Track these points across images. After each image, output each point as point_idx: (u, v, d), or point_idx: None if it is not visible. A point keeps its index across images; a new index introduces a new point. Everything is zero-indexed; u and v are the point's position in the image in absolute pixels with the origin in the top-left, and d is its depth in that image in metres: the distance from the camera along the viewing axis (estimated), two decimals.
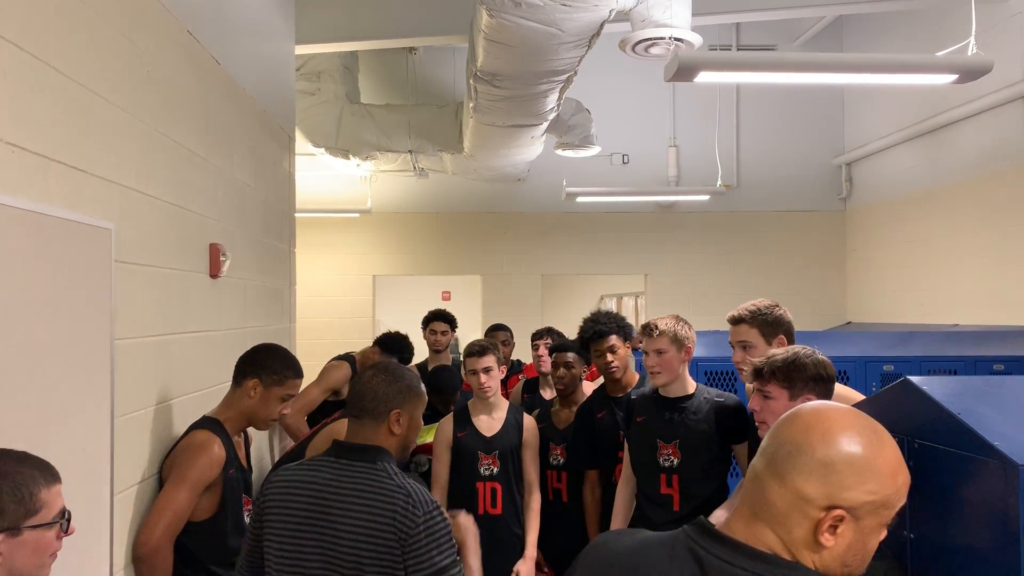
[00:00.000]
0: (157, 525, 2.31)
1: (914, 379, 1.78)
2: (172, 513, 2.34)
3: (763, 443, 1.18)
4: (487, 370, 3.35)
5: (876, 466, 1.09)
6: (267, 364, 2.62)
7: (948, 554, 1.72)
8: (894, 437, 1.16)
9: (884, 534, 1.13)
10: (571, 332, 4.59)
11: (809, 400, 2.06)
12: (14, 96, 1.71)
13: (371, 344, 4.57)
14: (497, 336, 4.64)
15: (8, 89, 1.69)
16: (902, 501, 1.12)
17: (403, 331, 4.55)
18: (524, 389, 4.31)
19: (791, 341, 2.65)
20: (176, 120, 2.70)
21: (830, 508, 1.08)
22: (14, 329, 1.70)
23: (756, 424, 2.35)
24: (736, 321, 2.75)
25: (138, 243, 2.36)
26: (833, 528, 1.08)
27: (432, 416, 3.59)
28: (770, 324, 2.68)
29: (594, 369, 4.19)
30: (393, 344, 4.40)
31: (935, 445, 1.63)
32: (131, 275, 2.31)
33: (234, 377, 2.65)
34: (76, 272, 1.97)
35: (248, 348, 2.72)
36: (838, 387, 2.52)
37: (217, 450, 2.46)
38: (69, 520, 1.50)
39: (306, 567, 1.90)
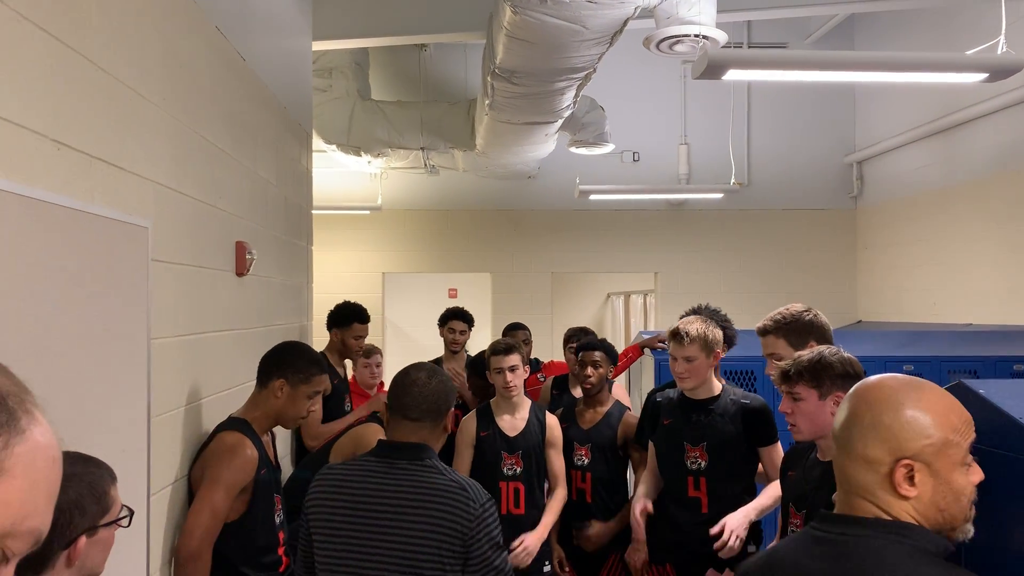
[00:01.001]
0: (196, 530, 2.29)
1: (969, 382, 1.76)
2: (210, 517, 2.32)
3: (831, 429, 1.32)
4: (513, 368, 3.33)
5: (921, 413, 1.19)
6: (293, 363, 2.60)
7: (1004, 560, 1.70)
8: None
9: (975, 477, 1.21)
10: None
11: (839, 399, 2.03)
12: (60, 93, 1.68)
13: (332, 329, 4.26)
14: (517, 335, 4.60)
15: (55, 86, 1.66)
16: (968, 438, 1.21)
17: (410, 330, 4.44)
18: (553, 386, 4.27)
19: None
20: (206, 117, 2.67)
21: (897, 461, 1.19)
22: (56, 328, 1.68)
23: (789, 427, 2.32)
24: (762, 332, 2.61)
25: (172, 241, 2.33)
26: (910, 479, 1.18)
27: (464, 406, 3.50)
28: (797, 332, 2.53)
29: (616, 369, 4.16)
30: (345, 313, 4.22)
31: (993, 450, 1.61)
32: (165, 273, 2.28)
33: (259, 378, 2.62)
34: (115, 271, 1.95)
35: (271, 346, 2.70)
36: None
37: (249, 452, 2.44)
38: (132, 515, 1.49)
39: (358, 566, 1.89)
